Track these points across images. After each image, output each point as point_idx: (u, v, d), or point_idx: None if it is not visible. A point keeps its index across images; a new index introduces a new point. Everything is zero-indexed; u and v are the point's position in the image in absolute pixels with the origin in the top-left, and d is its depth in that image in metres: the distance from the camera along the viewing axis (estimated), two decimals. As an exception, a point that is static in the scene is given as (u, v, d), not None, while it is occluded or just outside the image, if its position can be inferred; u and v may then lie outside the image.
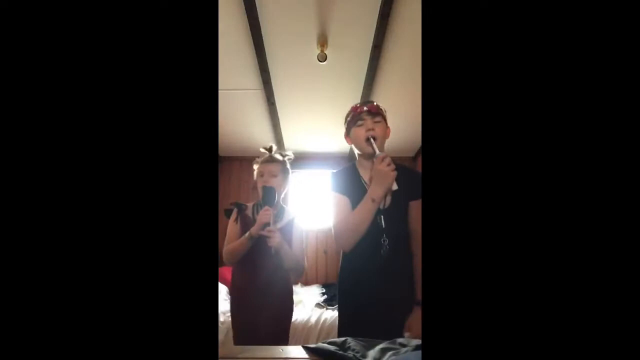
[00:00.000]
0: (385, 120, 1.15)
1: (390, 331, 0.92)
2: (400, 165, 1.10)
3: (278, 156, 1.48)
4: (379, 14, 1.99)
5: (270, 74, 2.43)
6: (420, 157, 3.68)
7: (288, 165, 1.48)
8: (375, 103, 1.15)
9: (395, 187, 1.03)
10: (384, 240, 1.06)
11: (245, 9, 1.96)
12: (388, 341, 0.74)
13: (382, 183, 1.03)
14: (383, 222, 1.06)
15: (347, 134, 1.18)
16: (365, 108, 1.12)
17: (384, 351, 0.68)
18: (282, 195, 1.47)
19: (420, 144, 3.48)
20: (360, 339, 0.76)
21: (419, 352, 0.65)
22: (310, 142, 3.40)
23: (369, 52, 2.24)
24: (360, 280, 1.08)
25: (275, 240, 1.21)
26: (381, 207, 1.07)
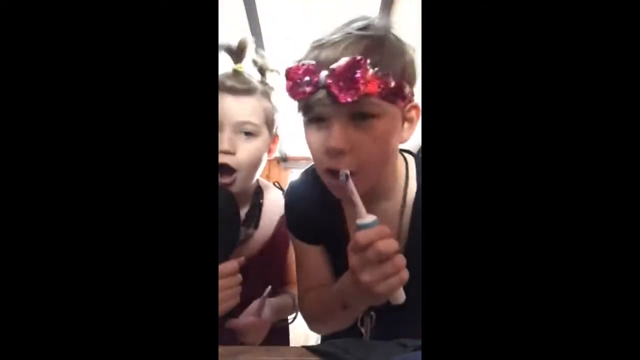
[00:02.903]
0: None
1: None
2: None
3: (253, 78, 0.67)
4: (379, 14, 1.99)
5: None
6: (420, 157, 3.66)
7: (272, 102, 0.69)
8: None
9: (401, 300, 0.48)
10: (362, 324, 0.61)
11: (245, 9, 1.96)
12: (388, 342, 0.74)
13: (366, 295, 0.47)
14: (368, 334, 0.60)
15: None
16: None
17: (384, 352, 0.68)
18: (258, 174, 0.72)
19: (420, 144, 3.47)
20: (360, 339, 0.76)
21: (419, 352, 0.64)
22: (310, 142, 3.39)
23: (369, 52, 2.23)
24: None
25: (254, 333, 0.70)
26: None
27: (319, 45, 0.51)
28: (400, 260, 0.43)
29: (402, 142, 0.52)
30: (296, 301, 0.81)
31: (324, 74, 0.45)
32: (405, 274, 0.44)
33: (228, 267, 0.59)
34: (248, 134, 0.63)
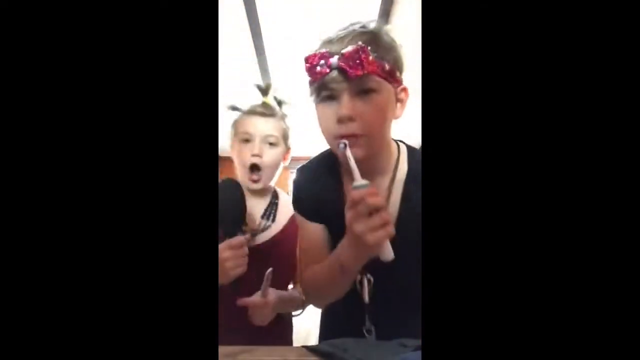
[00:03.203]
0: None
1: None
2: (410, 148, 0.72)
3: (276, 107, 0.90)
4: (379, 14, 1.99)
5: (270, 74, 2.43)
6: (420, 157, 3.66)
7: (285, 124, 0.91)
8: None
9: (390, 256, 0.53)
10: (367, 329, 0.68)
11: (245, 9, 1.96)
12: (388, 341, 0.74)
13: (359, 247, 0.53)
14: (367, 296, 0.64)
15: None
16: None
17: (384, 352, 0.68)
18: (276, 178, 0.91)
19: (420, 143, 3.47)
20: (360, 339, 0.76)
21: (419, 352, 0.64)
22: (311, 143, 3.40)
23: (369, 52, 2.24)
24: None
25: (262, 316, 0.77)
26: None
27: (329, 41, 0.63)
28: (387, 215, 0.51)
29: (395, 118, 0.64)
30: (303, 297, 0.89)
31: (335, 57, 0.58)
32: (391, 228, 0.51)
33: (235, 241, 0.68)
34: (272, 144, 0.86)
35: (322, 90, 0.62)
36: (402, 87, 0.64)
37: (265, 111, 0.87)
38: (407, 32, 2.05)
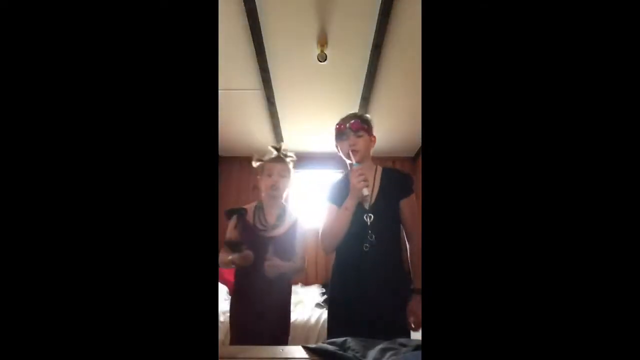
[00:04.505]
0: (369, 131, 1.27)
1: (375, 325, 1.07)
2: (387, 168, 1.33)
3: (285, 157, 1.49)
4: (379, 14, 1.99)
5: (270, 74, 2.43)
6: (420, 157, 3.67)
7: (293, 166, 1.51)
8: (357, 121, 1.26)
9: (366, 193, 1.17)
10: (369, 236, 1.18)
11: (245, 9, 1.96)
12: (388, 341, 0.74)
13: (353, 193, 1.18)
14: (369, 220, 1.20)
15: (336, 146, 1.33)
16: (347, 126, 1.25)
17: (384, 351, 0.68)
18: (286, 196, 1.49)
19: (420, 144, 3.48)
20: (360, 338, 0.76)
21: (419, 352, 0.65)
22: (310, 142, 3.40)
23: (369, 52, 2.24)
24: (347, 277, 1.20)
25: (273, 271, 1.22)
26: (367, 207, 1.21)
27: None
28: (366, 177, 1.19)
29: (370, 148, 1.31)
30: (304, 267, 1.47)
31: (346, 124, 1.27)
32: (367, 183, 1.19)
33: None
34: (283, 177, 1.43)
35: (341, 136, 1.27)
36: (373, 136, 1.30)
37: (279, 159, 1.48)
38: (407, 32, 2.05)
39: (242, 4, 1.93)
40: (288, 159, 1.49)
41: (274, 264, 1.22)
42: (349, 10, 1.98)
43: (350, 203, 1.18)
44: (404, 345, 0.71)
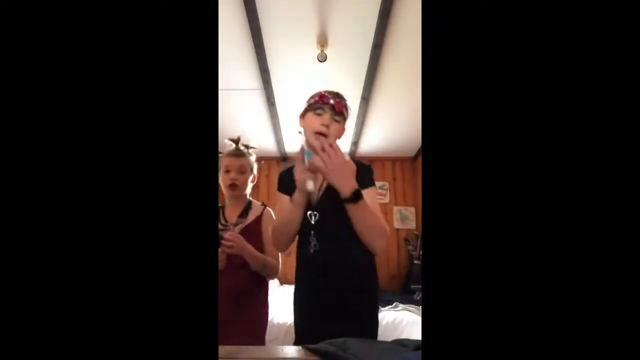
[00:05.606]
0: (344, 121, 1.11)
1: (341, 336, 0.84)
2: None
3: (244, 149, 1.38)
4: (379, 13, 1.99)
5: (270, 74, 2.43)
6: (420, 157, 3.67)
7: (254, 159, 1.40)
8: (341, 101, 1.09)
9: (310, 187, 1.00)
10: (311, 238, 1.04)
11: (245, 9, 1.96)
12: (388, 341, 0.74)
13: (297, 186, 1.02)
14: (313, 219, 1.05)
15: (302, 116, 1.12)
16: (331, 101, 1.06)
17: (383, 351, 0.68)
18: (249, 191, 1.40)
19: (420, 144, 3.48)
20: (360, 339, 0.76)
21: (419, 352, 0.65)
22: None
23: (369, 51, 2.24)
24: (299, 282, 1.11)
25: (232, 247, 1.13)
26: (312, 204, 1.06)
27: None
28: (310, 166, 1.00)
29: (337, 139, 1.10)
30: (278, 266, 1.37)
31: (331, 100, 1.09)
32: (307, 174, 1.02)
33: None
34: (242, 173, 1.36)
35: (314, 107, 1.09)
36: (344, 127, 1.14)
37: (237, 153, 1.38)
38: (407, 32, 2.05)
39: (242, 4, 1.93)
40: (250, 151, 1.37)
41: (233, 238, 1.12)
42: (349, 10, 1.98)
43: (298, 196, 1.02)
44: (404, 346, 0.71)
